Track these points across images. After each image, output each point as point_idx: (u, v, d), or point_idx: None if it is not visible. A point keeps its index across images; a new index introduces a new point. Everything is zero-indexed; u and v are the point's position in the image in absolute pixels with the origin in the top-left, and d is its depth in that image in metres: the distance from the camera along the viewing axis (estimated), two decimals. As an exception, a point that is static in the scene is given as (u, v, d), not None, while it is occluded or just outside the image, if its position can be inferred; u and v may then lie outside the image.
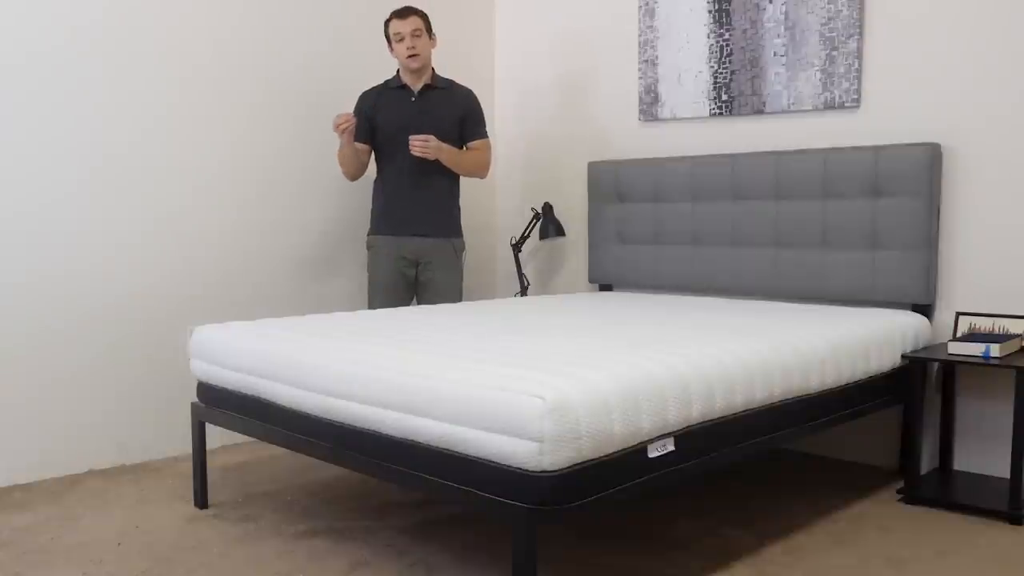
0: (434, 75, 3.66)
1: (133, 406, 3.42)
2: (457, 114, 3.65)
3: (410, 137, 3.44)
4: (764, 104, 3.59)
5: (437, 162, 3.57)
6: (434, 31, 3.67)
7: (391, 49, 3.59)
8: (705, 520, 2.76)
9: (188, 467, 3.33)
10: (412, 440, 2.10)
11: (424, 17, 3.58)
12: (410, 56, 3.53)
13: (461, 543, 2.57)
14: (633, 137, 4.08)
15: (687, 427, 2.15)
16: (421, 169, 3.59)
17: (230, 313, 3.66)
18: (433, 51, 3.68)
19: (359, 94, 3.69)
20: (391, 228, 3.63)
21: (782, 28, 3.52)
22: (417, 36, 3.53)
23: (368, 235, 3.72)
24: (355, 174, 3.64)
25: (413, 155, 3.47)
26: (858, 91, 3.34)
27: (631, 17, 4.05)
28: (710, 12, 3.74)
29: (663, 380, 2.07)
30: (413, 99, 3.61)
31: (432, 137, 3.46)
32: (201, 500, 2.88)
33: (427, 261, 3.66)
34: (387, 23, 3.58)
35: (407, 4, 3.79)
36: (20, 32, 3.09)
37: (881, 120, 3.31)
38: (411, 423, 2.08)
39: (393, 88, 3.63)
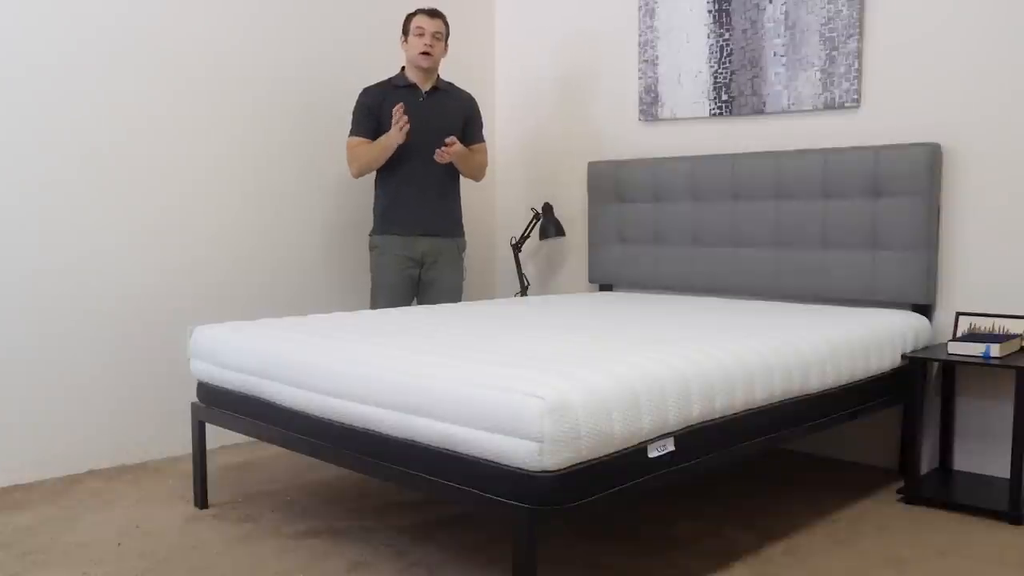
0: (438, 78, 3.68)
1: (133, 406, 3.42)
2: (461, 116, 3.70)
3: (437, 151, 3.49)
4: (764, 104, 3.59)
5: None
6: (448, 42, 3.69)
7: (404, 41, 3.60)
8: (705, 520, 2.76)
9: (188, 467, 3.33)
10: (412, 440, 2.10)
11: (448, 25, 3.61)
12: (423, 54, 3.54)
13: (461, 543, 2.57)
14: (633, 137, 4.08)
15: (687, 427, 2.15)
16: (427, 169, 3.59)
17: (230, 313, 3.66)
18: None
19: (358, 91, 3.69)
20: (397, 228, 3.63)
21: (782, 28, 3.52)
22: (437, 39, 3.56)
23: (371, 235, 3.71)
24: (366, 173, 3.65)
25: (420, 153, 3.50)
26: (858, 91, 3.34)
27: (631, 17, 4.05)
28: (710, 12, 3.74)
29: (663, 380, 2.07)
30: (421, 99, 3.62)
31: (455, 140, 3.51)
32: (201, 500, 2.88)
33: (432, 261, 3.66)
34: (411, 16, 3.59)
35: (433, 6, 3.79)
36: (22, 33, 3.09)
37: (881, 120, 3.31)
38: (411, 423, 2.08)
39: (400, 87, 3.63)
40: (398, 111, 3.41)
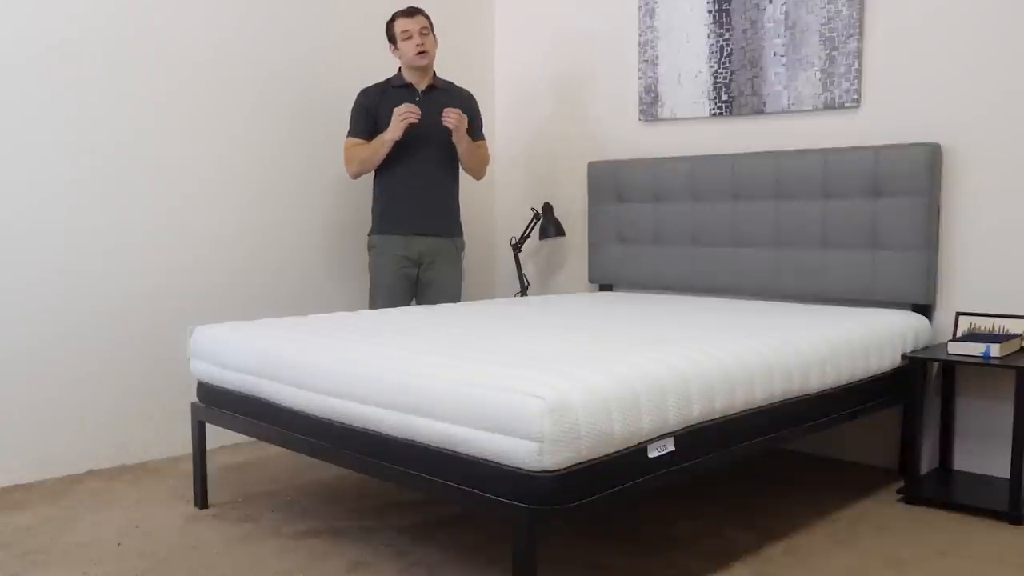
0: (435, 76, 3.67)
1: (133, 406, 3.42)
2: None
3: (446, 110, 3.47)
4: (764, 104, 3.59)
5: (441, 161, 3.59)
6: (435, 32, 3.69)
7: (394, 48, 3.60)
8: (705, 520, 2.76)
9: (188, 467, 3.33)
10: (412, 440, 2.11)
11: (429, 16, 3.61)
12: (419, 53, 3.54)
13: (461, 543, 2.57)
14: (633, 137, 4.08)
15: (687, 427, 2.15)
16: (426, 169, 3.60)
17: (230, 313, 3.66)
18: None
19: (358, 92, 3.69)
20: (396, 228, 3.63)
21: (782, 28, 3.52)
22: (424, 34, 3.55)
23: (370, 235, 3.71)
24: (364, 173, 3.65)
25: (419, 152, 3.50)
26: (858, 91, 3.34)
27: (631, 17, 4.05)
28: (710, 12, 3.74)
29: (663, 380, 2.07)
30: (418, 98, 3.61)
31: (464, 116, 3.51)
32: (201, 500, 2.88)
33: (430, 261, 3.66)
34: (391, 22, 3.59)
35: (410, 4, 3.79)
36: (20, 32, 3.09)
37: (881, 120, 3.31)
38: (411, 423, 2.08)
39: (397, 87, 3.63)
40: (407, 107, 3.42)
